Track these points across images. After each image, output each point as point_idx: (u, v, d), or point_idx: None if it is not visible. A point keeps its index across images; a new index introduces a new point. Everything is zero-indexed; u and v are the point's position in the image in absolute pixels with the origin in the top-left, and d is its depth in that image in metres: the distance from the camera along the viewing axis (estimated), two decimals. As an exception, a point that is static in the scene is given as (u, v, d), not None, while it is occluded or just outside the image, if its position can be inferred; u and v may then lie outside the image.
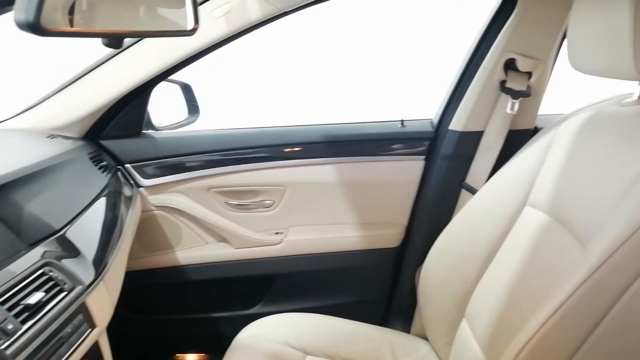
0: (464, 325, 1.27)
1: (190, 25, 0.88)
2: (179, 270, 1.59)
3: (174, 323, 1.67)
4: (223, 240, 1.60)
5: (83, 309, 0.89)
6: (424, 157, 1.60)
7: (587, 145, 1.06)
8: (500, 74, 1.44)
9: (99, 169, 1.33)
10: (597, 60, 0.97)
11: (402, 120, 1.61)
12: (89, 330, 0.90)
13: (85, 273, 0.94)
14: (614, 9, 0.89)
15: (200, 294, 1.63)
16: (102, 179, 1.30)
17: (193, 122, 1.62)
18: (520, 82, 1.43)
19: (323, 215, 1.64)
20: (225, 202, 1.58)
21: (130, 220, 1.28)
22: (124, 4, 0.76)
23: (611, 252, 0.84)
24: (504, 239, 1.21)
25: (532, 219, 1.15)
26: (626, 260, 0.84)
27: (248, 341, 1.33)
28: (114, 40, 0.74)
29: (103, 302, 0.97)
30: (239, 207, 1.59)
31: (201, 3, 1.32)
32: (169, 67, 1.39)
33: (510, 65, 1.43)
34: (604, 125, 1.06)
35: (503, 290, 1.13)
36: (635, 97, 1.09)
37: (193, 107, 1.62)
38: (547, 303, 0.89)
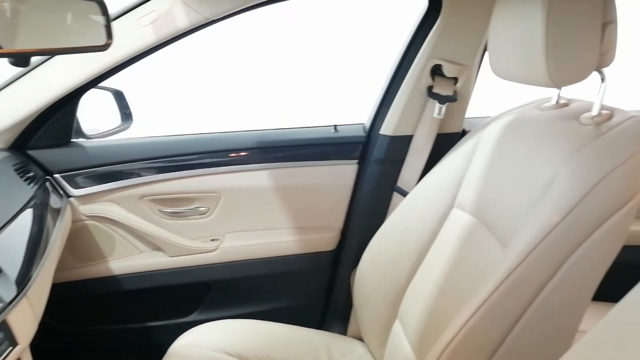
0: (397, 325, 1.31)
1: (103, 40, 0.87)
2: (112, 280, 1.56)
3: (109, 334, 1.64)
4: (157, 248, 1.57)
5: (4, 327, 0.87)
6: (357, 161, 1.63)
7: (508, 148, 1.11)
8: (427, 80, 1.48)
9: (25, 180, 1.29)
10: (514, 67, 1.01)
11: (335, 125, 1.63)
12: (10, 348, 0.87)
13: (6, 290, 0.91)
14: (528, 19, 0.93)
15: (136, 303, 1.61)
16: (27, 191, 1.26)
17: (126, 129, 1.59)
18: (446, 87, 1.47)
19: (259, 221, 1.63)
20: (159, 210, 1.56)
21: (58, 232, 1.25)
22: (31, 21, 0.74)
23: (528, 252, 0.88)
24: (433, 240, 1.25)
25: (459, 221, 1.19)
26: (541, 261, 0.88)
27: (182, 350, 1.31)
28: (21, 60, 0.72)
29: (26, 319, 0.94)
30: (174, 214, 1.57)
31: (128, 11, 1.30)
32: (96, 75, 1.36)
33: (436, 71, 1.47)
34: (524, 128, 1.11)
35: (431, 291, 1.17)
36: (553, 102, 1.15)
37: (126, 115, 1.59)
38: (469, 303, 0.93)
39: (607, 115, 0.97)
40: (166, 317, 1.63)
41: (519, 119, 1.15)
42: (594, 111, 0.99)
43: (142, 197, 1.53)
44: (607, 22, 0.96)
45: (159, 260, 1.56)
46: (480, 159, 1.18)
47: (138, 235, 1.56)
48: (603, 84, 1.00)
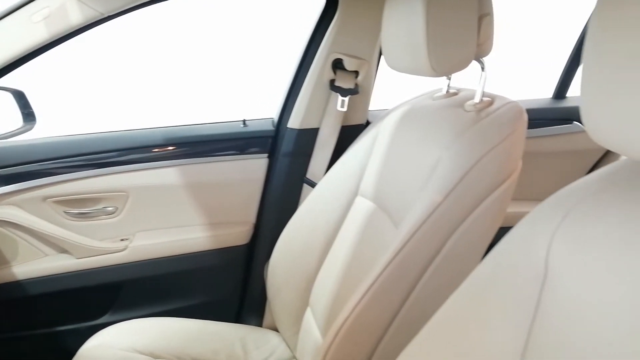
0: (308, 313, 1.34)
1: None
2: (17, 286, 1.50)
3: (15, 341, 1.58)
4: (64, 251, 1.53)
5: None
6: (266, 155, 1.65)
7: (402, 136, 1.16)
8: (329, 74, 1.52)
9: None
10: (403, 60, 1.07)
11: (244, 120, 1.64)
12: None
13: None
14: (411, 15, 0.99)
15: (43, 308, 1.55)
16: None
17: (29, 130, 1.53)
18: (348, 81, 1.52)
19: (170, 219, 1.62)
20: (65, 212, 1.52)
21: None
22: None
23: (413, 232, 0.93)
24: (339, 228, 1.30)
25: (361, 208, 1.23)
26: (427, 239, 0.93)
27: (92, 352, 1.29)
28: None
29: None
30: (80, 215, 1.54)
31: (19, 7, 1.26)
32: None
33: (338, 65, 1.52)
34: (416, 117, 1.16)
35: (336, 277, 1.21)
36: (444, 92, 1.21)
37: (28, 115, 1.53)
38: (363, 283, 0.97)
39: (488, 102, 1.04)
40: (76, 320, 1.59)
41: (413, 108, 1.21)
42: (476, 98, 1.06)
43: (45, 198, 1.48)
44: (483, 14, 1.03)
45: (66, 263, 1.51)
46: (379, 148, 1.24)
47: (43, 239, 1.51)
48: (483, 73, 1.07)
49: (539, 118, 1.81)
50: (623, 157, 0.52)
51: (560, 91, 1.91)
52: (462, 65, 1.02)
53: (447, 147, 0.98)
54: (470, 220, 0.93)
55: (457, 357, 0.56)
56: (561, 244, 0.50)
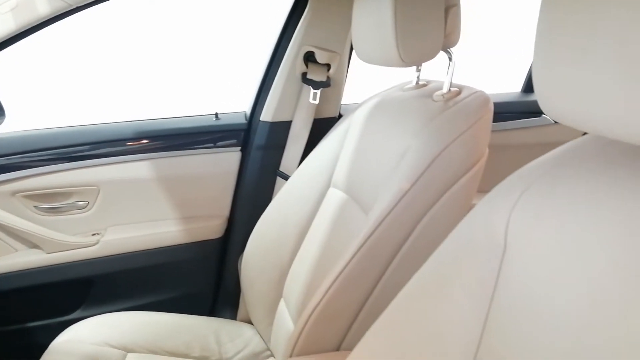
0: (281, 305, 1.35)
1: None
2: None
3: None
4: (34, 246, 1.51)
5: None
6: (239, 148, 1.65)
7: (373, 127, 1.18)
8: (301, 66, 1.53)
9: None
10: (373, 51, 1.08)
11: (216, 113, 1.64)
12: None
13: None
14: (380, 8, 1.00)
15: (13, 304, 1.53)
16: None
17: None
18: (320, 74, 1.53)
19: (142, 213, 1.61)
20: (35, 207, 1.50)
21: None
22: None
23: (382, 218, 0.95)
24: (312, 220, 1.31)
25: (334, 199, 1.25)
26: (395, 225, 0.95)
27: (63, 346, 1.28)
28: None
29: None
30: (50, 210, 1.52)
31: (-15, -2, 1.25)
32: None
33: (309, 58, 1.52)
34: (386, 108, 1.18)
35: (309, 267, 1.22)
36: (413, 83, 1.23)
37: (-4, 109, 1.51)
38: (333, 269, 0.98)
39: (456, 92, 1.06)
40: (48, 316, 1.57)
41: (383, 100, 1.23)
42: (444, 89, 1.08)
43: (14, 193, 1.47)
44: (450, 5, 1.05)
45: (37, 258, 1.50)
46: (351, 139, 1.25)
47: (12, 234, 1.49)
48: (451, 63, 1.09)
49: (508, 111, 1.84)
50: (583, 137, 0.54)
51: (529, 84, 1.95)
52: (430, 55, 1.04)
53: (415, 135, 1.00)
54: (438, 207, 0.95)
55: (422, 332, 0.57)
56: (518, 218, 0.52)
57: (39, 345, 1.35)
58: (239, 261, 1.60)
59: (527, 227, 0.51)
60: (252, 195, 1.65)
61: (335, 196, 1.25)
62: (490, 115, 1.00)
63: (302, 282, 1.23)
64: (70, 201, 1.54)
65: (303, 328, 0.97)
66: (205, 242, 1.67)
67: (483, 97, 1.02)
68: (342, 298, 0.96)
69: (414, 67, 1.21)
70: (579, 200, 0.48)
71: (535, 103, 1.96)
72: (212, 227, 1.68)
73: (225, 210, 1.70)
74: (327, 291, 0.96)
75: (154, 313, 1.45)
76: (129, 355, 1.29)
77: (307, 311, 0.98)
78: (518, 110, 1.87)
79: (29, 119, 1.87)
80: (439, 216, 0.96)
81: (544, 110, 0.45)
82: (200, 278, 1.72)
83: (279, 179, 1.63)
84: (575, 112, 0.42)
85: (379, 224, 0.94)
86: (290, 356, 1.00)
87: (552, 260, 0.47)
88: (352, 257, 0.95)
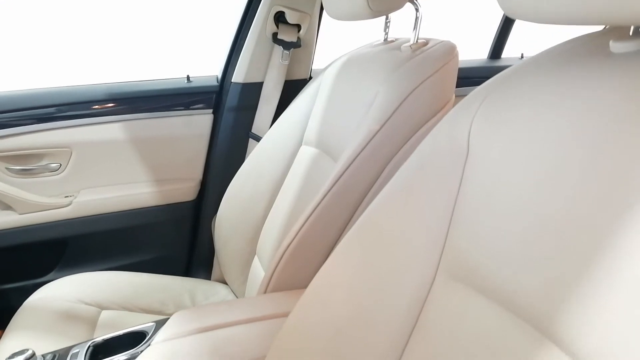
0: (255, 261, 1.37)
1: None
2: None
3: None
4: (6, 207, 1.50)
5: None
6: (211, 110, 1.66)
7: (342, 82, 1.20)
8: (272, 27, 1.54)
9: None
10: (341, 5, 1.10)
11: (187, 76, 1.65)
12: None
13: None
14: None
15: None
16: None
17: None
18: (290, 34, 1.54)
19: (115, 175, 1.61)
20: (6, 168, 1.49)
21: None
22: None
23: (352, 159, 0.97)
24: (285, 177, 1.33)
25: (305, 155, 1.27)
26: (365, 166, 0.98)
27: (37, 303, 1.28)
28: None
29: None
30: (22, 172, 1.51)
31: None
32: None
33: (280, 18, 1.53)
34: (356, 63, 1.21)
35: (282, 222, 1.24)
36: (382, 40, 1.26)
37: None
38: (305, 212, 1.01)
39: (423, 43, 1.09)
40: (21, 278, 1.57)
41: (353, 56, 1.25)
42: (412, 40, 1.10)
43: None
44: None
45: (9, 219, 1.49)
46: (321, 97, 1.27)
47: None
48: (418, 14, 1.12)
49: (475, 77, 1.89)
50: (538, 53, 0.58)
51: (496, 51, 2.00)
52: (398, 5, 1.06)
53: (384, 81, 1.03)
54: (407, 148, 0.98)
55: (389, 241, 0.61)
56: (479, 124, 0.56)
57: (12, 308, 1.35)
58: (213, 222, 1.61)
59: (487, 132, 0.54)
60: (225, 157, 1.67)
61: (306, 152, 1.27)
62: (456, 61, 1.04)
63: (276, 237, 1.25)
64: (42, 163, 1.53)
65: (275, 267, 1.00)
66: (178, 204, 1.68)
67: (449, 45, 1.05)
68: (313, 238, 0.98)
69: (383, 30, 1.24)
70: (528, 106, 0.52)
71: (501, 69, 2.03)
72: (185, 189, 1.69)
73: (198, 173, 1.71)
74: (298, 231, 0.98)
75: (128, 273, 1.46)
76: (103, 312, 1.30)
77: (279, 251, 1.00)
78: (484, 76, 1.91)
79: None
80: (407, 157, 0.99)
81: (504, 9, 0.48)
82: (175, 240, 1.73)
83: (251, 141, 1.65)
84: (534, 5, 0.44)
85: (349, 165, 0.97)
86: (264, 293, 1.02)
87: (510, 160, 0.51)
88: (323, 197, 0.97)
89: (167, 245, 1.72)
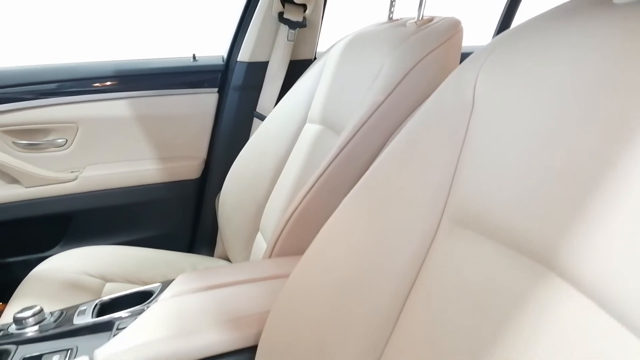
0: (258, 237, 1.38)
1: None
2: None
3: None
4: (13, 181, 1.52)
5: None
6: (217, 89, 1.67)
7: (347, 60, 1.21)
8: (278, 6, 1.55)
9: None
10: None
11: (194, 55, 1.67)
12: None
13: None
14: None
15: None
16: None
17: None
18: (296, 14, 1.55)
19: (121, 152, 1.63)
20: (13, 142, 1.51)
21: None
22: None
23: (357, 129, 0.99)
24: (289, 155, 1.34)
25: (310, 132, 1.28)
26: (370, 135, 0.99)
27: (42, 274, 1.30)
28: None
29: None
30: (29, 147, 1.53)
31: None
32: None
33: None
34: (361, 41, 1.22)
35: (285, 198, 1.26)
36: (387, 19, 1.27)
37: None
38: (312, 177, 1.02)
39: (427, 19, 1.11)
40: (26, 251, 1.59)
41: (357, 35, 1.26)
42: (417, 17, 1.12)
43: None
44: None
45: (15, 192, 1.51)
46: (326, 75, 1.29)
47: None
48: None
49: None
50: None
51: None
52: None
53: (389, 54, 1.04)
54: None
55: (392, 196, 0.62)
56: (484, 78, 0.57)
57: (17, 281, 1.37)
58: (216, 201, 1.63)
59: (492, 85, 0.56)
60: (229, 136, 1.68)
61: (310, 130, 1.29)
62: (460, 36, 1.05)
63: (279, 213, 1.27)
64: (49, 138, 1.55)
65: (280, 234, 1.02)
66: (183, 182, 1.70)
67: (454, 20, 1.06)
68: (317, 205, 1.00)
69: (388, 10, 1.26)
70: (537, 58, 0.53)
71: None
72: (189, 167, 1.70)
73: (203, 152, 1.73)
74: (303, 199, 1.00)
75: (132, 247, 1.47)
76: (108, 284, 1.32)
77: (283, 218, 1.02)
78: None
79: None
80: None
81: None
82: (178, 218, 1.75)
83: (255, 120, 1.66)
84: None
85: (354, 134, 0.98)
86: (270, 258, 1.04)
87: (514, 110, 0.53)
88: (328, 165, 0.99)
89: (170, 223, 1.74)
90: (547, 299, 0.44)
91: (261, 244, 1.35)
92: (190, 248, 1.80)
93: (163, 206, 1.70)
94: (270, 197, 1.36)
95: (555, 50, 0.51)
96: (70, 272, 1.31)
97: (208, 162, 1.73)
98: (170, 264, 1.45)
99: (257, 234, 1.40)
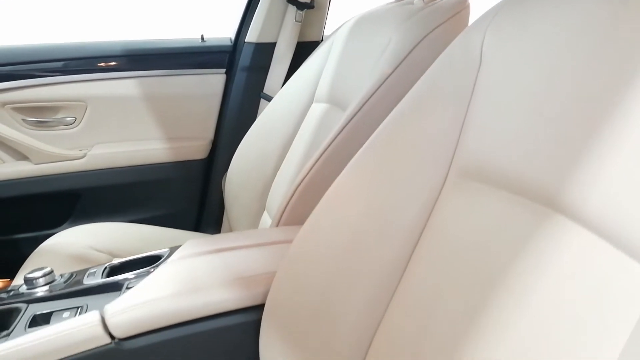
0: (264, 216, 1.39)
1: None
2: None
3: None
4: (22, 157, 1.54)
5: None
6: (224, 70, 1.69)
7: (354, 39, 1.22)
8: None
9: None
10: None
11: (202, 36, 1.68)
12: None
13: None
14: None
15: (0, 214, 1.57)
16: None
17: None
18: None
19: (128, 131, 1.65)
20: (23, 120, 1.52)
21: None
22: None
23: (365, 101, 0.99)
24: (295, 134, 1.35)
25: (317, 111, 1.29)
26: (377, 107, 1.00)
27: (50, 248, 1.31)
28: None
29: None
30: (39, 124, 1.54)
31: None
32: None
33: None
34: (368, 20, 1.22)
35: (292, 175, 1.26)
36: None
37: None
38: (320, 147, 1.03)
39: None
40: (34, 228, 1.61)
41: (365, 15, 1.27)
42: None
43: (3, 104, 1.48)
44: None
45: (24, 168, 1.52)
46: (333, 56, 1.29)
47: (0, 143, 1.52)
48: None
49: None
50: None
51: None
52: None
53: (396, 29, 1.05)
54: None
55: (402, 150, 0.63)
56: (492, 35, 0.59)
57: (24, 257, 1.39)
58: (223, 181, 1.64)
59: (499, 42, 0.57)
60: (236, 117, 1.69)
61: (317, 109, 1.29)
62: (467, 12, 1.06)
63: (285, 190, 1.28)
64: (58, 116, 1.56)
65: (287, 203, 1.03)
66: (189, 162, 1.72)
67: None
68: (325, 175, 1.01)
69: None
70: (539, 19, 0.54)
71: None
72: (196, 147, 1.72)
73: (210, 132, 1.74)
74: (311, 168, 1.01)
75: (139, 225, 1.49)
76: (115, 260, 1.33)
77: (292, 187, 1.03)
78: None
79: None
80: None
81: None
82: (185, 197, 1.76)
83: (262, 101, 1.67)
84: None
85: (363, 105, 0.99)
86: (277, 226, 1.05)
87: (520, 64, 0.54)
88: (337, 136, 1.00)
89: (177, 202, 1.76)
90: (551, 238, 0.45)
91: (267, 222, 1.35)
92: (196, 227, 1.81)
93: (170, 186, 1.71)
94: (276, 176, 1.37)
95: (558, 7, 0.52)
96: (77, 247, 1.32)
97: (215, 143, 1.75)
98: (177, 240, 1.45)
99: (263, 212, 1.41)
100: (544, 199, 0.47)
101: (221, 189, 1.66)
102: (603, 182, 0.41)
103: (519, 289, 0.46)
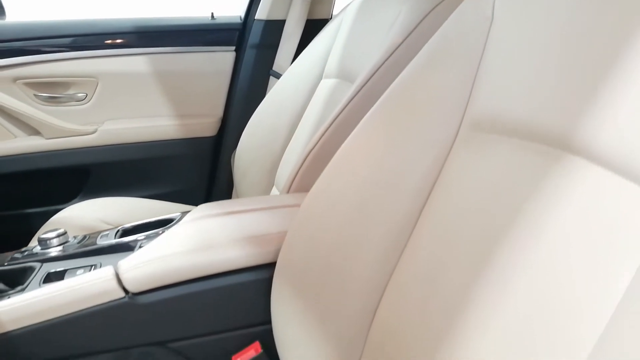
0: (273, 192, 1.40)
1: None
2: None
3: None
4: (34, 132, 1.56)
5: None
6: (234, 47, 1.69)
7: (363, 15, 1.22)
8: None
9: None
10: None
11: (212, 14, 1.68)
12: None
13: None
14: None
15: (12, 188, 1.58)
16: None
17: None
18: None
19: (139, 107, 1.66)
20: (35, 95, 1.54)
21: None
22: None
23: (375, 70, 0.99)
24: (304, 110, 1.36)
25: (326, 87, 1.29)
26: (387, 75, 0.99)
27: (62, 220, 1.32)
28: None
29: None
30: (50, 100, 1.55)
31: None
32: None
33: None
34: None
35: (300, 150, 1.27)
36: None
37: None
38: (331, 115, 1.03)
39: None
40: (44, 203, 1.63)
41: None
42: None
43: (15, 80, 1.50)
44: None
45: (36, 143, 1.54)
46: (343, 32, 1.29)
47: (12, 118, 1.53)
48: None
49: None
50: None
51: None
52: None
53: (406, 0, 1.04)
54: None
55: (413, 107, 0.64)
56: None
57: (35, 231, 1.40)
58: (232, 158, 1.65)
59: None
60: (246, 94, 1.70)
61: (326, 84, 1.29)
62: None
63: (293, 164, 1.27)
64: (69, 92, 1.58)
65: (298, 170, 1.03)
66: (199, 139, 1.73)
67: None
68: (335, 143, 1.00)
69: None
70: None
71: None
72: (206, 124, 1.73)
73: (219, 110, 1.75)
74: (321, 137, 1.01)
75: (149, 200, 1.50)
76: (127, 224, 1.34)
77: (302, 154, 1.03)
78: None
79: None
80: None
81: None
82: (194, 174, 1.77)
83: (272, 79, 1.68)
84: None
85: (372, 75, 0.99)
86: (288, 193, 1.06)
87: (532, 19, 0.54)
88: (347, 104, 1.00)
89: (186, 179, 1.77)
90: (563, 177, 0.45)
91: None
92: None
93: (179, 162, 1.72)
94: (285, 152, 1.37)
95: None
96: (88, 220, 1.33)
97: (224, 120, 1.75)
98: None
99: (272, 188, 1.42)
100: (556, 141, 0.47)
101: (230, 166, 1.67)
102: (611, 120, 0.42)
103: (529, 229, 0.47)
